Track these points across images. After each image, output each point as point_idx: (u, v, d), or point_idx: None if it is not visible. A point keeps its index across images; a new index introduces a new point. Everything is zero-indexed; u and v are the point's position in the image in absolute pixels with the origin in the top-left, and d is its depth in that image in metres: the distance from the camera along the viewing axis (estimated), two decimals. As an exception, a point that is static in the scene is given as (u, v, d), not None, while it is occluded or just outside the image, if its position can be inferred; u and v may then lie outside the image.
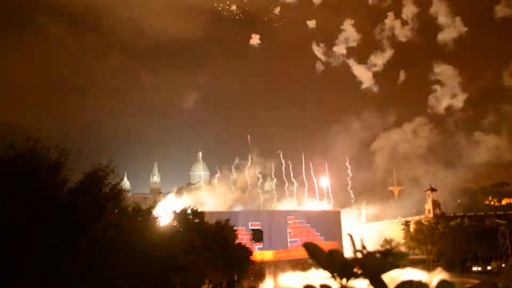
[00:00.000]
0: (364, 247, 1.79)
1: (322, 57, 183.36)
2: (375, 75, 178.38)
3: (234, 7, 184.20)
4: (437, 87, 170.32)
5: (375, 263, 1.73)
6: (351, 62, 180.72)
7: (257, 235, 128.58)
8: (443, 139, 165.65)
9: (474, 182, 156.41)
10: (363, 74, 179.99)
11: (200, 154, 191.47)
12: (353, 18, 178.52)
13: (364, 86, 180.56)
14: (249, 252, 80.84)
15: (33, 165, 27.25)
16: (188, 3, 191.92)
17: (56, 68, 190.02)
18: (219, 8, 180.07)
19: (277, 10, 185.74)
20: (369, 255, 1.73)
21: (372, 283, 1.78)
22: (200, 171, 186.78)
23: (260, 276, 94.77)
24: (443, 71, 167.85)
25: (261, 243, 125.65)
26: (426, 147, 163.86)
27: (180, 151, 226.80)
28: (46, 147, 28.77)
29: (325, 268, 1.79)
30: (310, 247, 1.78)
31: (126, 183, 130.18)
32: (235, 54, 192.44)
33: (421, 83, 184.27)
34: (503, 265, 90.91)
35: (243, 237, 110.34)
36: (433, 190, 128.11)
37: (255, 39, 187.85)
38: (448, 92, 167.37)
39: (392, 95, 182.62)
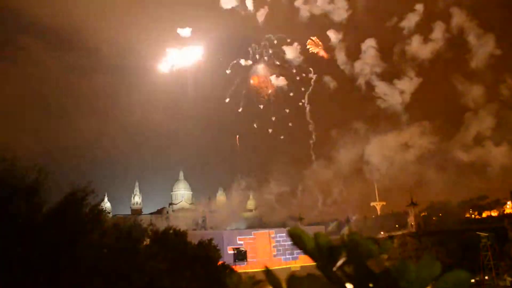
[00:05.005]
0: (351, 231, 1.72)
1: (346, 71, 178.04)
2: (403, 100, 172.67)
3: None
4: (469, 114, 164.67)
5: (362, 247, 1.65)
6: (375, 80, 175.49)
7: (240, 255, 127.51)
8: (432, 150, 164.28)
9: (454, 195, 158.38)
10: (388, 94, 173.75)
11: (182, 173, 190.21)
12: (376, 39, 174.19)
13: (386, 105, 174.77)
14: (232, 272, 79.96)
15: (9, 186, 26.55)
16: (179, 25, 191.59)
17: (38, 87, 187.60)
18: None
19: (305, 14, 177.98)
20: (356, 239, 1.65)
21: (357, 269, 1.70)
22: (182, 191, 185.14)
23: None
24: (472, 94, 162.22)
25: (245, 262, 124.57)
26: (415, 157, 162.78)
27: (162, 171, 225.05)
28: (24, 167, 28.14)
29: (310, 254, 1.70)
30: (295, 234, 1.68)
31: (106, 204, 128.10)
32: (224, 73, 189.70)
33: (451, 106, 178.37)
34: (486, 277, 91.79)
35: (227, 257, 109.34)
36: (414, 204, 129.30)
37: (294, 51, 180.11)
38: (478, 121, 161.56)
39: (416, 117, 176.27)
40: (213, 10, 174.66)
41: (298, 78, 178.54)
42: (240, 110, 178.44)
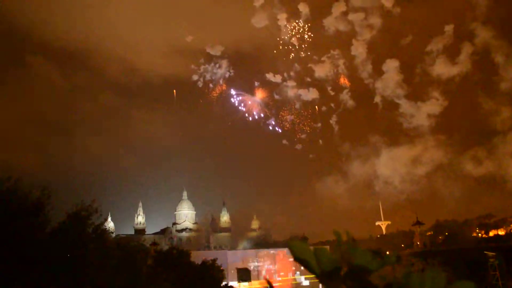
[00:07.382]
0: (352, 240, 1.67)
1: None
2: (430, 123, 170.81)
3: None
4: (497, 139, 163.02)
5: (365, 262, 1.60)
6: (398, 99, 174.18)
7: (244, 275, 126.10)
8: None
9: (459, 213, 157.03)
10: (415, 112, 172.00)
11: (186, 193, 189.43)
12: (400, 59, 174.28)
13: (413, 124, 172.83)
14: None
15: (14, 205, 26.49)
16: (181, 44, 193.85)
17: (44, 106, 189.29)
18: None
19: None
20: (359, 253, 1.60)
21: (359, 283, 1.65)
22: (185, 210, 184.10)
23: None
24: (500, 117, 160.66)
25: (249, 282, 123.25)
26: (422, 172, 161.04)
27: (165, 191, 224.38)
28: (28, 186, 28.17)
29: (310, 270, 1.65)
30: (296, 247, 1.62)
31: (110, 224, 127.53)
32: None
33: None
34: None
35: (231, 277, 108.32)
36: (419, 223, 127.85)
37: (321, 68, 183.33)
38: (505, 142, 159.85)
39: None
40: (245, 28, 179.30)
41: (331, 93, 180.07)
42: (271, 122, 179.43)
